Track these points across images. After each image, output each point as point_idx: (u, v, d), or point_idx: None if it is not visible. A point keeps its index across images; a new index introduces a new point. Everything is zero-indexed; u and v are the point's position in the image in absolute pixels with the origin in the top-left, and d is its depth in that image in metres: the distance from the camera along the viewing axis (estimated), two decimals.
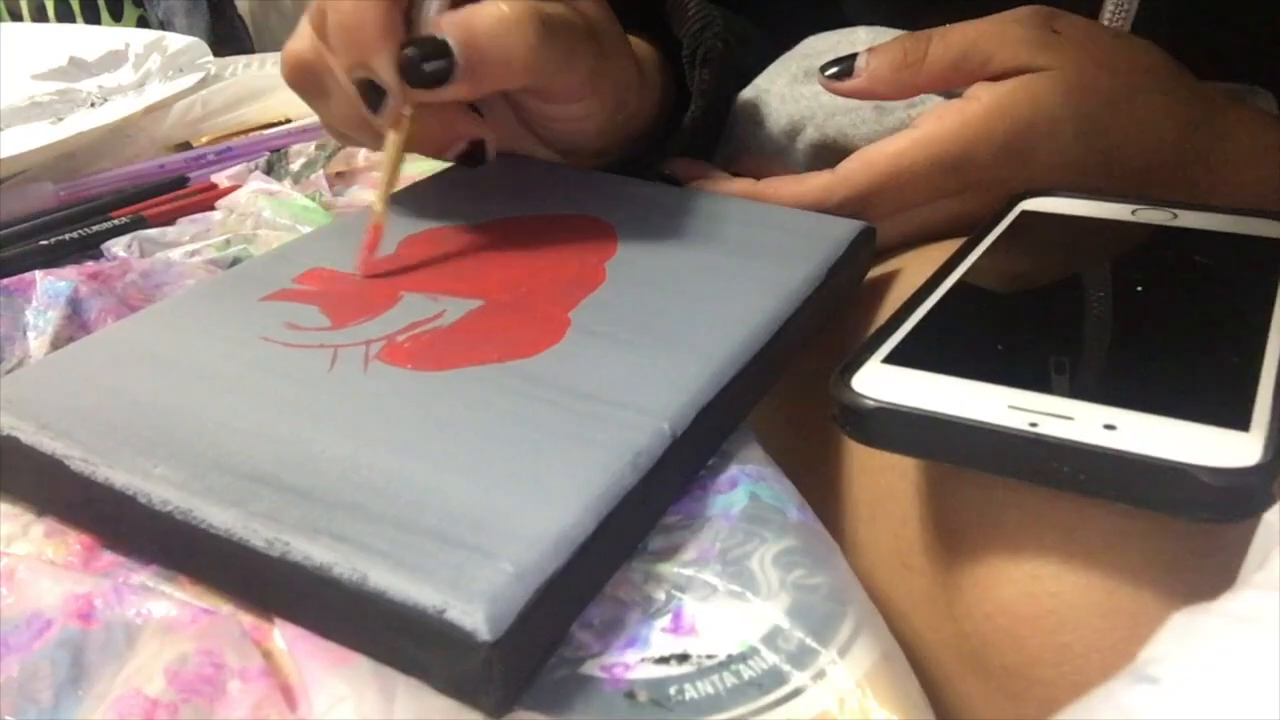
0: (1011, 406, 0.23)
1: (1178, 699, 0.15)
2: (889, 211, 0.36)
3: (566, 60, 0.33)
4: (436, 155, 0.36)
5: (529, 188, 0.38)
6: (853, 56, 0.36)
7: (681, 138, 0.40)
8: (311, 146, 0.49)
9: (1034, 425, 0.22)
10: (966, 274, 0.30)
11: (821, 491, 0.32)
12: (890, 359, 0.26)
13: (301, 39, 0.33)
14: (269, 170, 0.47)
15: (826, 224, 0.34)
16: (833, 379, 0.25)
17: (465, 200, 0.36)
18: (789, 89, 0.43)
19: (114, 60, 0.60)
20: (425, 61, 0.30)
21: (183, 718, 0.20)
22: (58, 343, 0.34)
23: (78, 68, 0.60)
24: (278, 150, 0.48)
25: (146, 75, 0.58)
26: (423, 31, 0.31)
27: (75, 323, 0.35)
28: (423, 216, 0.35)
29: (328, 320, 0.29)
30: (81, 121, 0.50)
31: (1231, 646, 0.15)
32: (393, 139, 0.32)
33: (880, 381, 0.24)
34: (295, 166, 0.48)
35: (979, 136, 0.34)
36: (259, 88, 0.55)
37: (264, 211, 0.42)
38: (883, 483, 0.30)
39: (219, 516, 0.22)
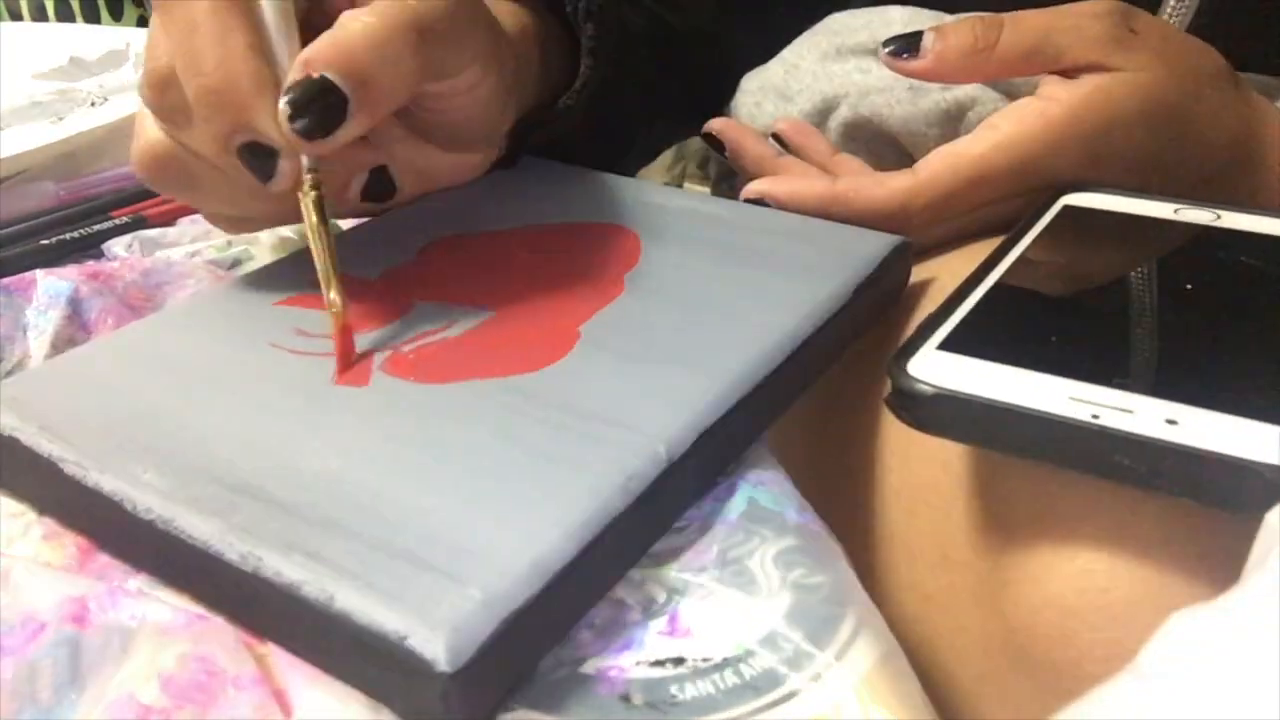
0: (1072, 398, 0.23)
1: (1177, 698, 0.15)
2: (964, 212, 0.35)
3: (459, 43, 0.30)
4: (339, 204, 0.33)
5: (555, 194, 0.37)
6: (918, 35, 0.35)
7: (577, 99, 0.38)
8: None
9: (1096, 417, 0.22)
10: (1015, 265, 0.30)
11: (854, 481, 0.32)
12: (946, 346, 0.26)
13: (148, 132, 0.30)
14: None
15: (859, 238, 0.33)
16: (888, 364, 0.25)
17: (488, 206, 0.36)
18: (820, 66, 0.42)
19: (115, 59, 0.60)
20: (311, 106, 0.27)
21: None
22: (58, 343, 0.34)
23: (78, 67, 0.60)
24: None
25: None
26: (290, 76, 0.27)
27: (76, 323, 0.35)
28: (444, 222, 0.35)
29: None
30: (82, 121, 0.50)
31: (1231, 645, 0.15)
32: (308, 207, 0.28)
33: (937, 368, 0.25)
34: None
35: (1063, 141, 0.34)
36: None
37: None
38: (923, 474, 0.29)
39: (199, 528, 0.21)
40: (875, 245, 0.33)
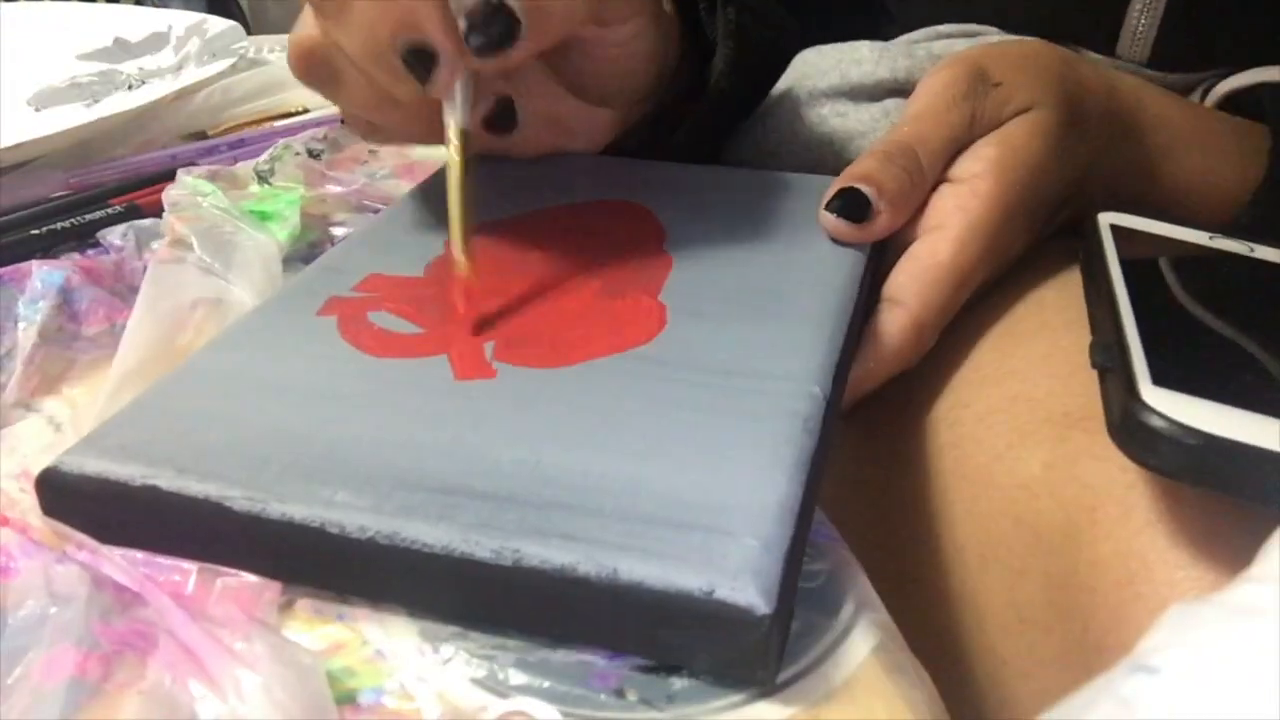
0: None
1: (1177, 689, 0.15)
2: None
3: None
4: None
5: (547, 177, 0.37)
6: (858, 194, 0.32)
7: (721, 82, 0.38)
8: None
9: None
10: (1136, 294, 0.28)
11: (916, 538, 0.31)
12: (1161, 383, 0.24)
13: (306, 25, 0.31)
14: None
15: None
16: (1123, 401, 0.23)
17: (493, 195, 0.35)
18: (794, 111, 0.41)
19: (156, 42, 0.61)
20: (488, 24, 0.27)
21: (114, 669, 0.20)
22: (45, 333, 0.34)
23: (121, 49, 0.61)
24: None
25: (185, 59, 0.58)
26: None
27: (65, 313, 0.36)
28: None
29: (419, 329, 0.28)
30: (113, 104, 0.50)
31: (1230, 637, 0.15)
32: (455, 160, 0.29)
33: (1176, 408, 0.22)
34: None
35: (1008, 207, 0.33)
36: (279, 78, 0.54)
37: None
38: (994, 530, 0.28)
39: (431, 534, 0.21)
40: None
